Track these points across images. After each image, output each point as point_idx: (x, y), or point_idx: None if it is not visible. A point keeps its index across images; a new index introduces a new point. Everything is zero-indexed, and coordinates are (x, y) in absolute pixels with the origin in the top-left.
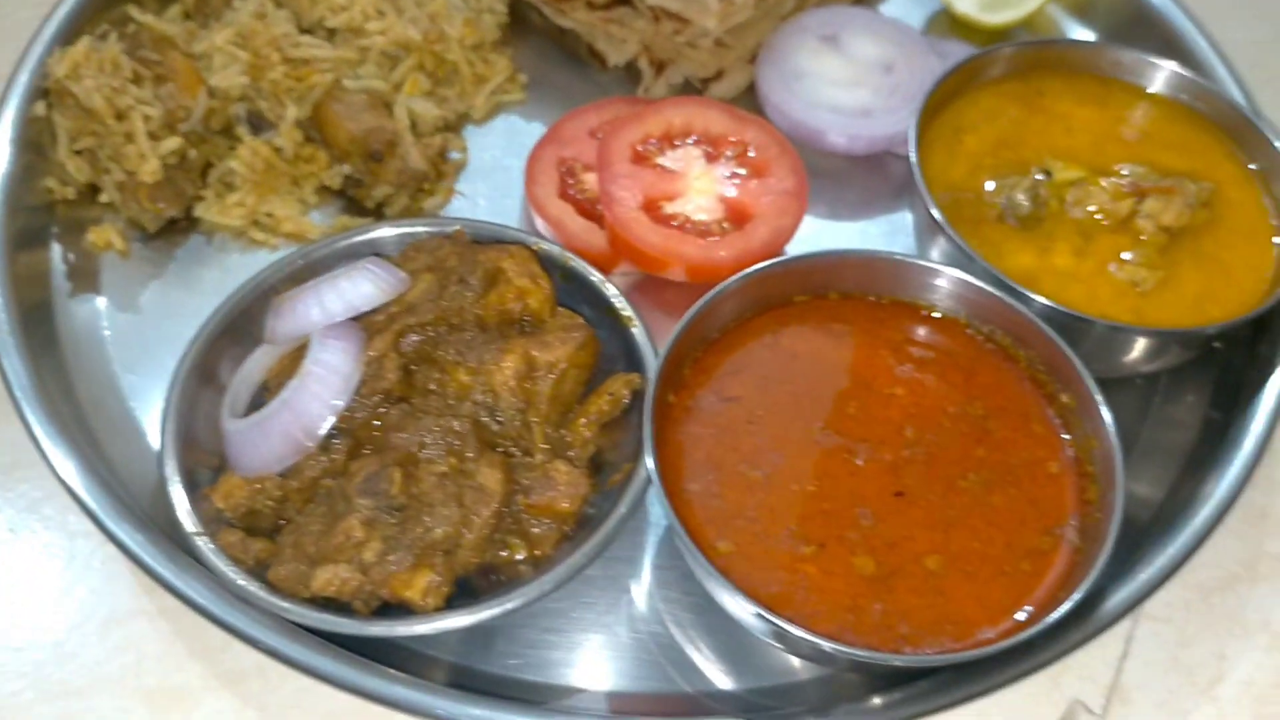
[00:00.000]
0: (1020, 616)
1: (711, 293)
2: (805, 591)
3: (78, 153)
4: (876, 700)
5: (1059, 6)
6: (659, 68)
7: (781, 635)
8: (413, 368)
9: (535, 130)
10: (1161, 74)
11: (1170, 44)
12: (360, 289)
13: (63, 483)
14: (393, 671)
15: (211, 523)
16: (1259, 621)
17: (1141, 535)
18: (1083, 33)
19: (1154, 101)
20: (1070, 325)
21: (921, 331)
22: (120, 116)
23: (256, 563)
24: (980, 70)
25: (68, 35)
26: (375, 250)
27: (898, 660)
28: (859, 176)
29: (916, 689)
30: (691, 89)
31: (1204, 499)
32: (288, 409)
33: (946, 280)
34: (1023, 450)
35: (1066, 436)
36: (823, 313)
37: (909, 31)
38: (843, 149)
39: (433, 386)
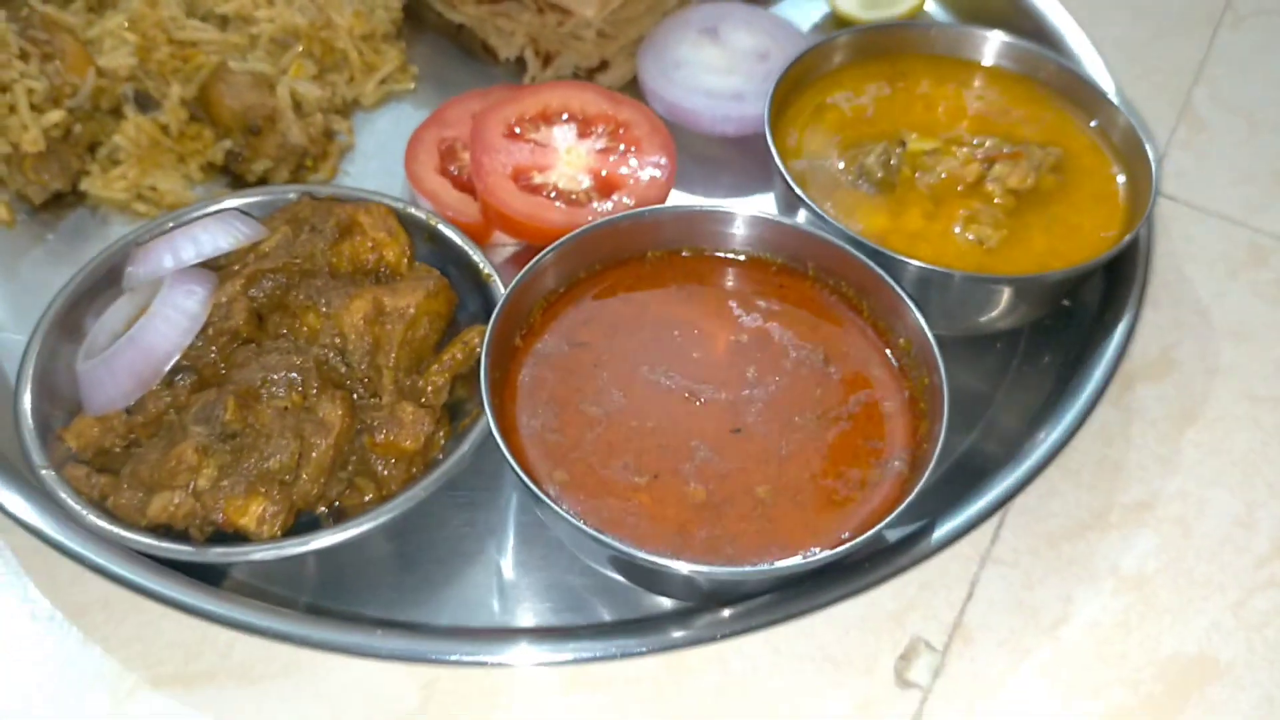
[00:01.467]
0: (845, 537)
1: (557, 243)
2: (636, 518)
3: None
4: (724, 613)
5: (936, 3)
6: (546, 59)
7: (610, 556)
8: (264, 314)
9: (424, 117)
10: (1014, 50)
11: (1046, 38)
12: (214, 237)
13: None
14: (234, 595)
15: (62, 459)
16: (1107, 567)
17: (979, 477)
18: None
19: (1008, 78)
20: (922, 280)
21: (768, 285)
22: (3, 89)
23: (100, 496)
24: (839, 52)
25: None
26: (245, 213)
27: (719, 572)
28: (733, 160)
29: (744, 608)
30: (578, 77)
31: (1038, 444)
32: (133, 346)
33: (794, 236)
34: (859, 391)
35: (901, 376)
36: (674, 268)
37: (785, 25)
38: (716, 131)
39: (284, 332)
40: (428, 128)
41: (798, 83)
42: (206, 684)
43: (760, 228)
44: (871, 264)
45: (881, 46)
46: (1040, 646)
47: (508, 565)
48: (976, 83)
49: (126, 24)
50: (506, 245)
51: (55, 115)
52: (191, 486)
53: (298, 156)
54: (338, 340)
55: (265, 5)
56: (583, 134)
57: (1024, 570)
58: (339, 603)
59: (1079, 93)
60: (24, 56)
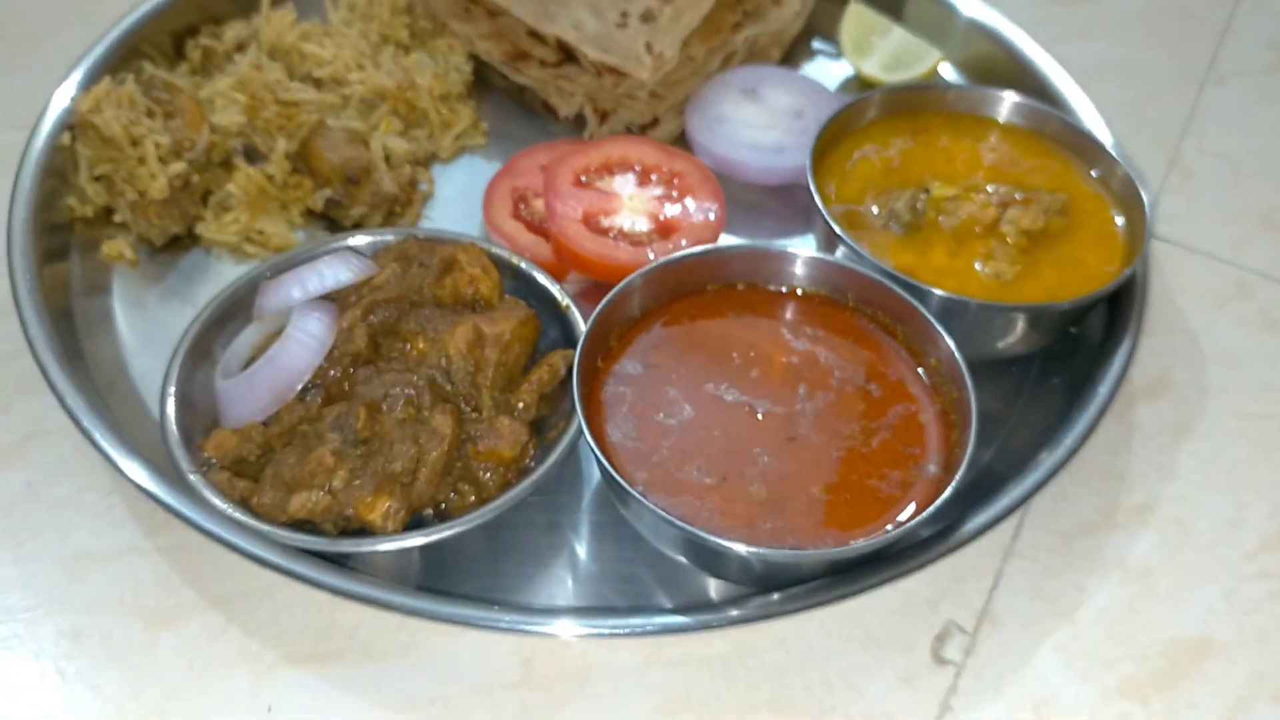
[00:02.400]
0: (889, 529)
1: (631, 276)
2: (709, 514)
3: (96, 178)
4: (775, 596)
5: (950, 65)
6: (603, 116)
7: (688, 543)
8: (379, 339)
9: (495, 169)
10: (1023, 109)
11: (1049, 97)
12: (336, 272)
13: (87, 436)
14: (358, 573)
15: (204, 466)
16: (1114, 560)
17: (1000, 483)
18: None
19: (1018, 133)
20: (945, 308)
21: (815, 313)
22: (135, 143)
23: (241, 498)
24: (870, 109)
25: (89, 84)
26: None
27: (781, 555)
28: (774, 206)
29: (803, 588)
30: (632, 132)
31: (1051, 453)
32: (271, 365)
33: (836, 271)
34: (897, 405)
35: (933, 392)
36: (731, 299)
37: (818, 86)
38: (760, 180)
39: (395, 355)
40: (501, 177)
41: (833, 138)
42: (335, 661)
43: (806, 264)
44: (904, 294)
45: (905, 104)
46: (1058, 629)
47: (587, 556)
48: (990, 137)
49: (235, 86)
50: (575, 282)
51: (178, 166)
52: (328, 486)
53: (389, 203)
54: (443, 362)
55: (357, 69)
56: (642, 183)
57: (1042, 564)
58: (443, 584)
59: (1081, 146)
60: (150, 114)
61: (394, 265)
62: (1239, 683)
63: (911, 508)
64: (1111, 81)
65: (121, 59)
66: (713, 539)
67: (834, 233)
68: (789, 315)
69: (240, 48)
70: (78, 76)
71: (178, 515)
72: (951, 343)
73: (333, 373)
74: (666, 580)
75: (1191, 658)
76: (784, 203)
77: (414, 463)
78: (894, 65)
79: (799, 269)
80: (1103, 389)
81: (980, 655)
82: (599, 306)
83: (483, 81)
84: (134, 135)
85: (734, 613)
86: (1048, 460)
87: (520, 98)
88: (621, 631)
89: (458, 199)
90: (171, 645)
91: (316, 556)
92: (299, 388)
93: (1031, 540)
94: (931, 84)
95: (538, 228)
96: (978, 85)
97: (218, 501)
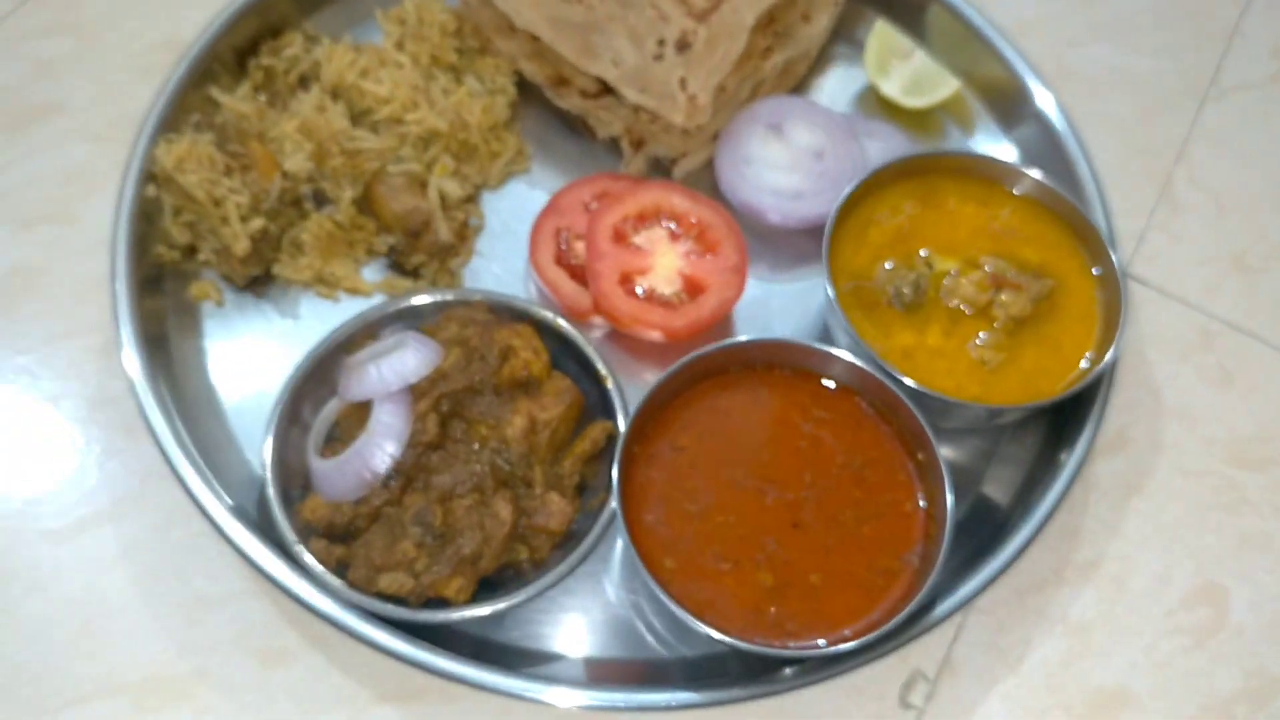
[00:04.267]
0: (875, 616)
1: (666, 373)
2: (724, 598)
3: (181, 223)
4: (773, 673)
5: (968, 93)
6: (637, 145)
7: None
8: (446, 422)
9: (538, 195)
10: (1029, 181)
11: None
12: (409, 364)
13: (193, 498)
14: (428, 644)
15: (302, 530)
16: (1059, 615)
17: (975, 553)
18: (986, 124)
19: (1021, 202)
20: (934, 398)
21: (822, 399)
22: (217, 203)
23: (336, 563)
24: (886, 175)
25: (168, 122)
26: (415, 314)
27: (783, 653)
28: (795, 241)
29: (799, 668)
30: (662, 162)
31: (1020, 527)
32: (358, 456)
33: (841, 362)
34: (887, 494)
35: (919, 485)
36: (751, 381)
37: (839, 121)
38: (778, 224)
39: (459, 435)
40: (545, 217)
41: (850, 205)
42: (419, 701)
43: (816, 356)
44: (899, 392)
45: (919, 168)
46: (1005, 678)
47: (621, 602)
48: (996, 204)
49: (302, 129)
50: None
51: (257, 223)
52: (410, 570)
53: (446, 252)
54: (502, 446)
55: (413, 109)
56: (673, 236)
57: (998, 618)
58: (499, 636)
59: (1082, 229)
60: (228, 171)
61: (456, 351)
62: None
63: (893, 596)
64: (1115, 97)
65: (194, 82)
66: (721, 636)
67: (844, 319)
68: (799, 400)
69: (303, 80)
70: (154, 117)
71: (283, 590)
72: (936, 447)
73: (408, 459)
74: (679, 635)
75: (1111, 707)
76: (804, 239)
77: (481, 545)
78: (912, 89)
79: (812, 360)
80: (1069, 465)
81: (939, 701)
82: (639, 402)
83: (525, 93)
84: (216, 196)
85: (738, 691)
86: (1015, 539)
87: (561, 112)
88: (632, 707)
89: (504, 232)
90: (282, 683)
91: (395, 623)
92: (381, 476)
93: (991, 595)
94: (947, 150)
95: (579, 273)
96: (992, 157)
97: (319, 569)
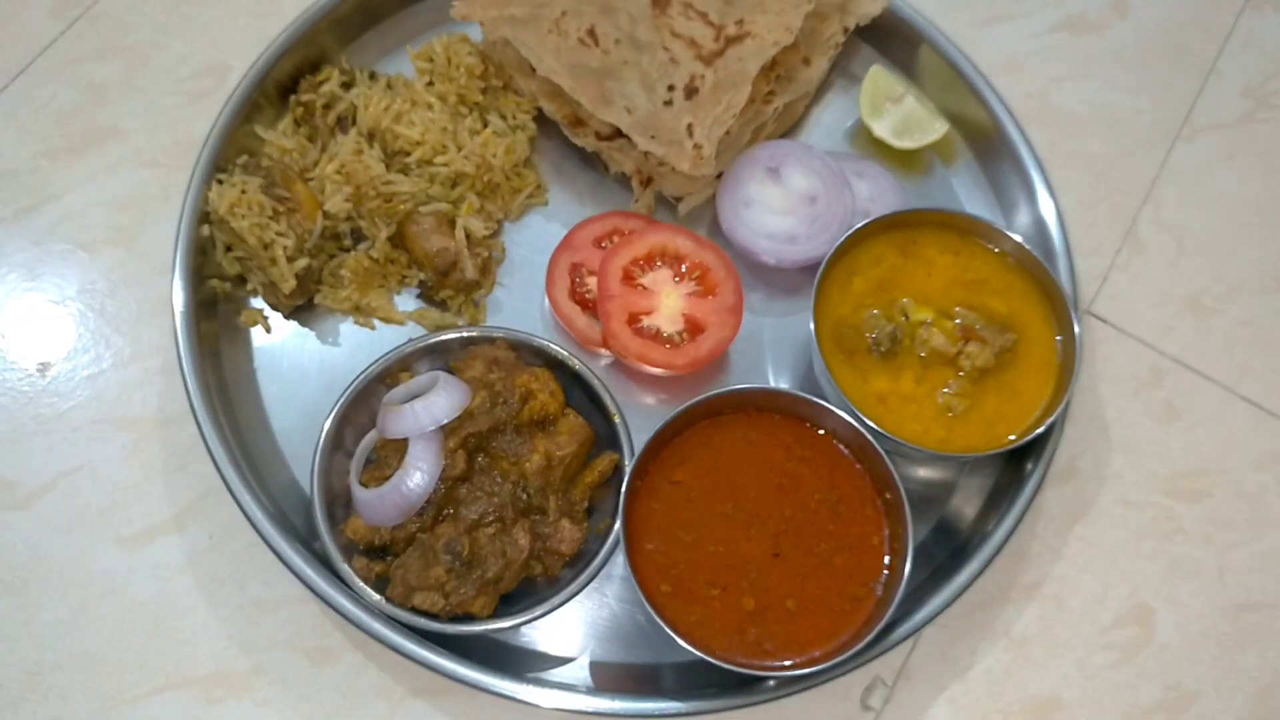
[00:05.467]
0: (843, 639)
1: (667, 418)
2: (711, 619)
3: (232, 257)
4: (752, 686)
5: (955, 132)
6: (646, 183)
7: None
8: (472, 455)
9: (555, 227)
10: (1001, 237)
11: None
12: (441, 407)
13: (249, 518)
14: (450, 653)
15: (345, 547)
16: (1003, 629)
17: (935, 573)
18: (969, 162)
19: (993, 255)
20: (900, 444)
21: (804, 440)
22: (265, 246)
23: (376, 577)
24: (871, 228)
25: (218, 160)
26: (444, 349)
27: (759, 674)
28: (789, 275)
29: (773, 681)
30: (668, 199)
31: (974, 554)
32: (396, 491)
33: (822, 409)
34: (857, 528)
35: (886, 521)
36: (742, 423)
37: (833, 166)
38: (772, 264)
39: (483, 468)
40: (560, 253)
41: (837, 256)
42: (447, 695)
43: (801, 403)
44: (870, 437)
45: (901, 221)
46: (953, 685)
47: (623, 612)
48: (971, 256)
49: (340, 171)
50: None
51: (302, 263)
52: (441, 591)
53: (471, 286)
54: (521, 479)
55: (442, 151)
56: (677, 276)
57: (950, 631)
58: (515, 641)
59: (1049, 288)
60: (275, 216)
61: (482, 394)
62: None
63: (860, 620)
64: (1095, 134)
65: (242, 119)
66: (711, 659)
67: (826, 369)
68: (782, 439)
69: (340, 121)
70: (205, 159)
71: (330, 604)
72: (902, 488)
73: (439, 491)
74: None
75: (1042, 713)
76: (798, 271)
77: (503, 569)
78: (902, 132)
79: (797, 406)
80: (1022, 497)
81: (895, 704)
82: (643, 444)
83: (543, 123)
84: (265, 240)
85: (723, 701)
86: (969, 566)
87: (577, 145)
88: (643, 714)
89: (524, 264)
90: (330, 679)
91: (426, 634)
92: (417, 508)
93: (945, 611)
94: (928, 207)
95: (592, 306)
96: (969, 214)
97: (361, 585)
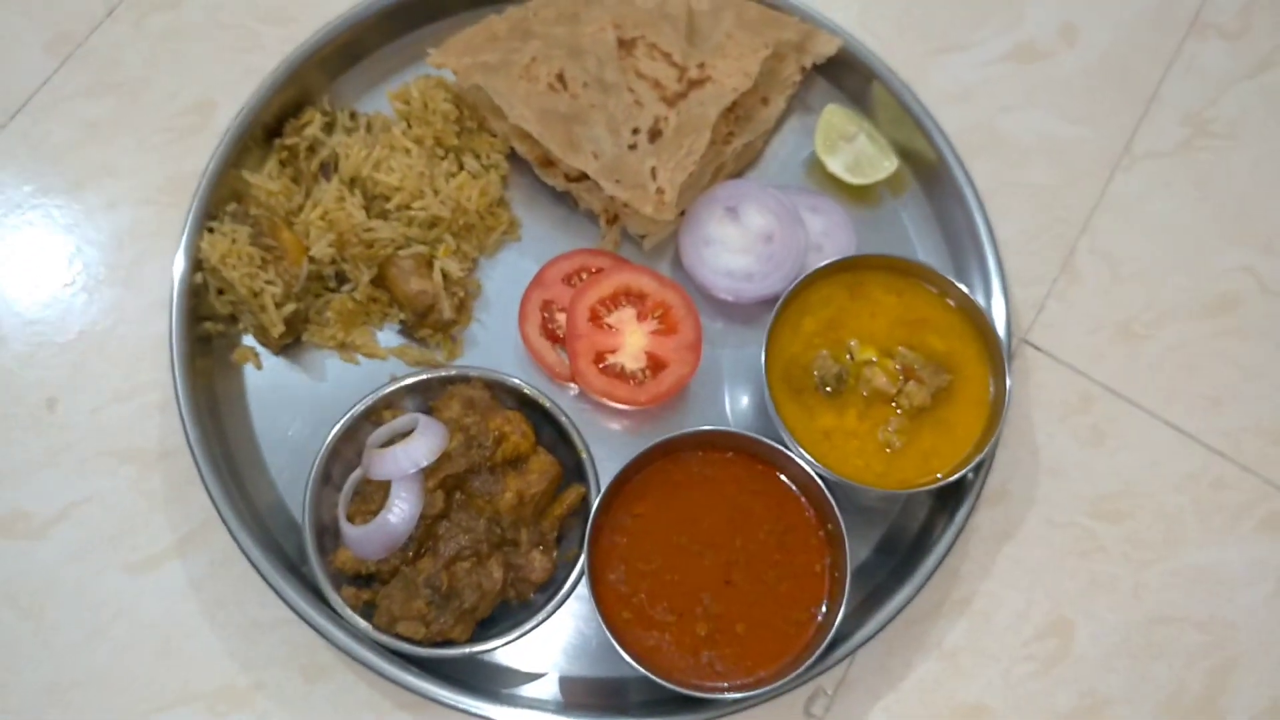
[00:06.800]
0: (787, 660)
1: (631, 459)
2: (668, 644)
3: (224, 300)
4: (705, 703)
5: (905, 166)
6: (612, 220)
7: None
8: (449, 493)
9: (527, 262)
10: (941, 280)
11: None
12: (421, 451)
13: (244, 552)
14: (428, 675)
15: (334, 575)
16: (935, 642)
17: (874, 592)
18: (916, 195)
19: (933, 297)
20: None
21: (755, 476)
22: (255, 294)
23: (363, 604)
24: (822, 272)
25: (209, 206)
26: (425, 387)
27: (710, 696)
28: (746, 308)
29: (723, 699)
30: (632, 236)
31: (909, 578)
32: (380, 529)
33: (770, 448)
34: (802, 557)
35: (827, 551)
36: (699, 460)
37: (788, 205)
38: (730, 301)
39: (459, 505)
40: (532, 290)
41: (789, 298)
42: (430, 710)
43: (751, 442)
44: (813, 474)
45: (851, 265)
46: (888, 694)
47: (589, 630)
48: (911, 294)
49: (323, 218)
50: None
51: (290, 307)
52: (423, 620)
53: (448, 325)
54: (495, 515)
55: (419, 197)
56: (640, 316)
57: (887, 644)
58: (489, 659)
59: (987, 333)
60: (264, 265)
61: (459, 437)
62: None
63: (804, 642)
64: (1039, 164)
65: (231, 162)
66: (662, 681)
67: (775, 408)
68: (734, 475)
69: (323, 167)
70: (197, 205)
71: (320, 632)
72: (841, 521)
73: (418, 529)
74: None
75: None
76: (762, 306)
77: (479, 600)
78: (854, 169)
79: (748, 445)
80: (952, 528)
81: (835, 712)
82: (607, 485)
83: (515, 160)
84: (254, 289)
85: (678, 718)
86: (905, 589)
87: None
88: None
89: (498, 298)
90: (323, 694)
91: (407, 657)
92: (400, 544)
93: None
94: (875, 253)
95: (561, 341)
96: (911, 260)
97: (348, 613)
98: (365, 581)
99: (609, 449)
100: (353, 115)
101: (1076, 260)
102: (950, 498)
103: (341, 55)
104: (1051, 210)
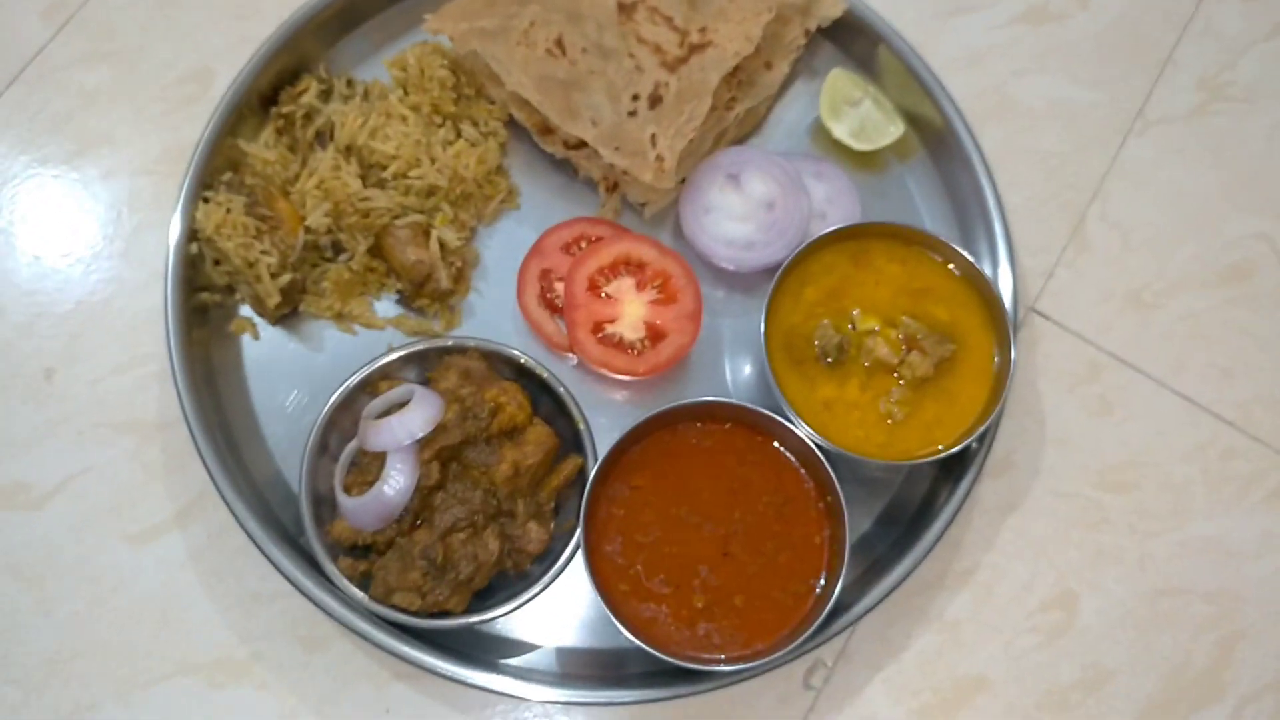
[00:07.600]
0: (785, 632)
1: (629, 429)
2: (665, 616)
3: (221, 271)
4: (702, 675)
5: (912, 132)
6: (612, 188)
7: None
8: (445, 464)
9: (526, 231)
10: (945, 248)
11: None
12: (417, 422)
13: (242, 526)
14: (424, 645)
15: (331, 546)
16: (937, 614)
17: (875, 564)
18: (924, 162)
19: (937, 266)
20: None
21: (754, 448)
22: (250, 265)
23: (360, 576)
24: (824, 240)
25: (204, 174)
26: (421, 357)
27: (706, 668)
28: (747, 276)
29: (720, 670)
30: (632, 204)
31: (911, 549)
32: (376, 500)
33: (770, 419)
34: (801, 529)
35: (826, 523)
36: (697, 432)
37: (791, 172)
38: (730, 270)
39: (456, 477)
40: (530, 259)
41: (790, 267)
42: (426, 678)
43: (751, 414)
44: (812, 445)
45: (855, 233)
46: (888, 665)
47: (586, 602)
48: (915, 263)
49: (319, 187)
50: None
51: (285, 278)
52: (419, 591)
53: (446, 294)
54: (491, 486)
55: (416, 165)
56: (639, 285)
57: (887, 615)
58: (489, 630)
59: (991, 300)
60: (259, 235)
61: (455, 408)
62: (997, 713)
63: (803, 614)
64: (1051, 129)
65: (227, 131)
66: (659, 655)
67: (775, 379)
68: (733, 446)
69: (319, 135)
70: (193, 174)
71: (317, 604)
72: (840, 493)
73: (415, 500)
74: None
75: (970, 691)
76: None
77: (474, 571)
78: (859, 134)
79: (748, 417)
80: (956, 497)
81: (834, 683)
82: (604, 455)
83: (515, 127)
84: (250, 259)
85: (673, 690)
86: (906, 559)
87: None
88: (600, 702)
89: (496, 266)
90: (321, 664)
91: (403, 628)
92: (396, 515)
93: (881, 595)
94: (878, 221)
95: (560, 311)
96: (915, 227)
97: (346, 584)
98: (362, 552)
99: (607, 419)
100: (350, 83)
101: (1087, 228)
102: (954, 468)
103: (338, 21)
104: (1061, 177)
